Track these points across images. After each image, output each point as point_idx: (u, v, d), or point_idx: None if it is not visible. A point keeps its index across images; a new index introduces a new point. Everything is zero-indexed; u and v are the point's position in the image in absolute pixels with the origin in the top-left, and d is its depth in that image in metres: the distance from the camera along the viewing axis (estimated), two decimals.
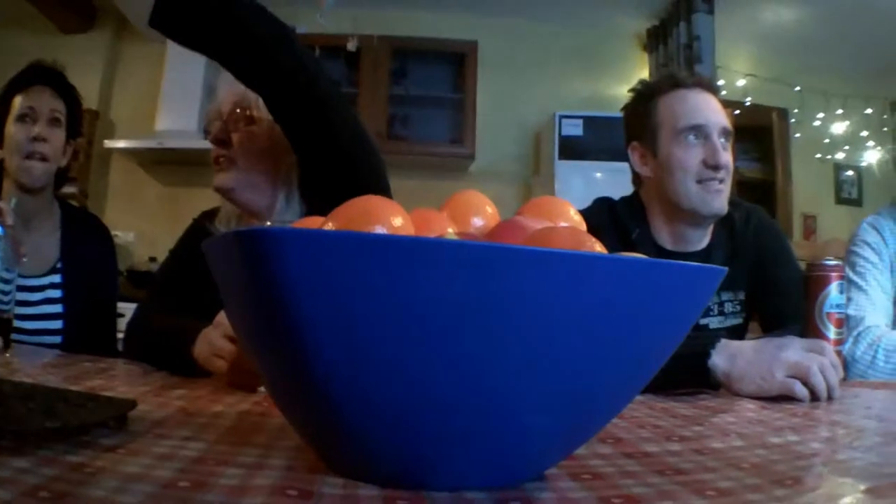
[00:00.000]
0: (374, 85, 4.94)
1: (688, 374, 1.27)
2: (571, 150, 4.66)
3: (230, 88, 1.62)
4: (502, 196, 4.55)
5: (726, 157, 1.72)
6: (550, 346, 0.49)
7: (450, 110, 5.21)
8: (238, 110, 1.61)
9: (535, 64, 5.38)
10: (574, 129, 4.69)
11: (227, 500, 0.48)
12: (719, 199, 1.72)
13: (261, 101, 1.51)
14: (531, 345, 0.49)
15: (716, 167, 1.70)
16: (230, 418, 0.84)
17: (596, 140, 4.61)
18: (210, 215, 1.78)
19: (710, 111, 1.75)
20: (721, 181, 1.72)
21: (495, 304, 0.47)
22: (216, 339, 1.23)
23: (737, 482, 0.63)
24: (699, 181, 1.71)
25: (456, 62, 5.20)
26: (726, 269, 0.59)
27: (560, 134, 4.67)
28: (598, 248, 0.57)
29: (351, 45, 4.65)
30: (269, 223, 1.59)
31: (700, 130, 1.72)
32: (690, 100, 1.76)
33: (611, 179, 4.03)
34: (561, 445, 0.60)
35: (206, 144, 1.66)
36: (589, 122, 4.70)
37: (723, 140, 1.74)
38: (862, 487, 0.62)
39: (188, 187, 4.74)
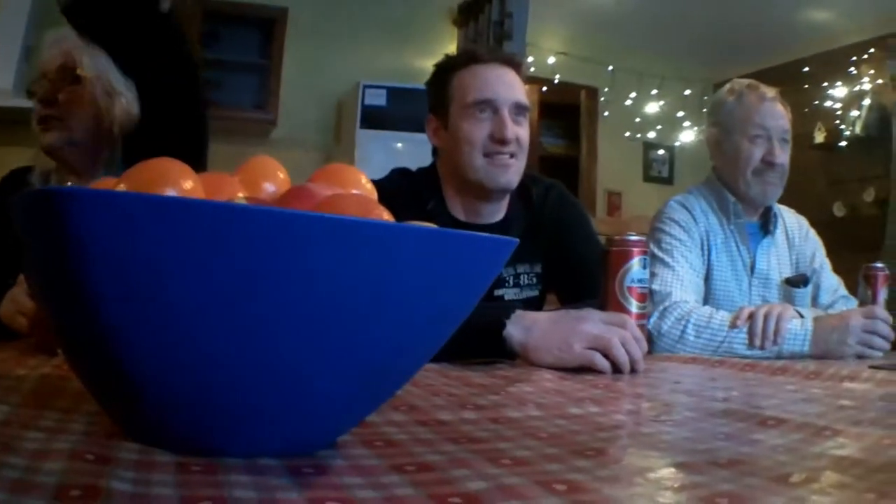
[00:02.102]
0: None
1: (483, 344, 1.29)
2: (374, 119, 4.74)
3: (56, 47, 1.70)
4: (302, 164, 4.55)
5: (515, 132, 1.74)
6: (334, 314, 0.50)
7: (256, 76, 5.25)
8: (64, 70, 1.68)
9: (345, 33, 5.40)
10: (378, 99, 4.77)
11: (30, 463, 0.49)
12: (506, 173, 1.75)
13: (86, 60, 1.64)
14: (315, 312, 0.50)
15: (502, 141, 1.73)
16: (33, 381, 0.85)
17: (399, 111, 4.70)
18: (20, 173, 1.84)
19: (502, 86, 1.77)
20: (512, 156, 1.75)
21: (277, 269, 0.47)
22: (19, 295, 1.28)
23: (534, 451, 0.62)
24: (486, 154, 1.74)
25: (265, 28, 5.24)
26: (516, 240, 0.59)
27: (363, 103, 4.75)
28: (386, 216, 0.59)
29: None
30: (69, 183, 1.68)
31: (488, 104, 1.74)
32: (482, 75, 1.78)
33: (412, 150, 4.10)
34: (351, 412, 0.62)
35: (22, 103, 1.69)
36: (393, 92, 4.79)
37: (516, 115, 1.77)
38: (673, 461, 0.62)
39: (2, 146, 4.50)
